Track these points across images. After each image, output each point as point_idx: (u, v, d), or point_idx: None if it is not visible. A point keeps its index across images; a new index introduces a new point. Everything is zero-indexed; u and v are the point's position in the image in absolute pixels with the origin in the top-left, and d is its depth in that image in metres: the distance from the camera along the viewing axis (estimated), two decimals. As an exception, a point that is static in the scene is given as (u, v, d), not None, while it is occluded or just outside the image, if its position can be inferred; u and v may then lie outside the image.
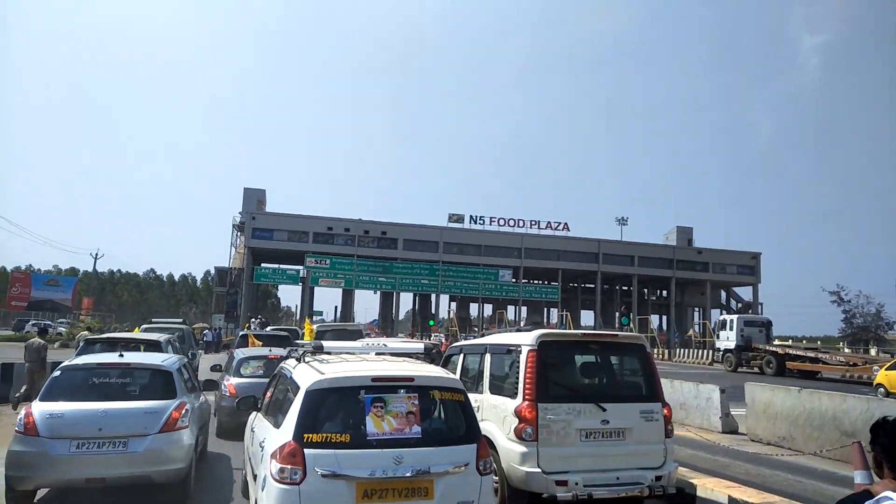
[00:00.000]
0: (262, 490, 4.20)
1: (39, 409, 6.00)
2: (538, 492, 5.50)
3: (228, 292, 56.04)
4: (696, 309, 70.30)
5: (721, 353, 32.29)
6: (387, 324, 62.79)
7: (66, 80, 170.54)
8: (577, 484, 5.48)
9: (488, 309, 68.00)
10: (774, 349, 29.05)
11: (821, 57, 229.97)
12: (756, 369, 29.13)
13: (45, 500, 6.35)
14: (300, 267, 56.37)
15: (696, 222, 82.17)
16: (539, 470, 5.54)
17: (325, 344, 5.37)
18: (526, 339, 6.11)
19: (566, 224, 62.45)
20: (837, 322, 56.40)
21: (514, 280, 61.29)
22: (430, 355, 5.66)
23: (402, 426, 4.20)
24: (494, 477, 5.05)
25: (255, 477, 4.80)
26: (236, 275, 57.25)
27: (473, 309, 69.04)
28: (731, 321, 32.00)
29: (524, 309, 66.18)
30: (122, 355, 7.09)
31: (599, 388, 6.35)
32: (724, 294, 71.05)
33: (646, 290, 71.38)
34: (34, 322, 47.40)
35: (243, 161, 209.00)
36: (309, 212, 58.65)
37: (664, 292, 72.97)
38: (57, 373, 6.58)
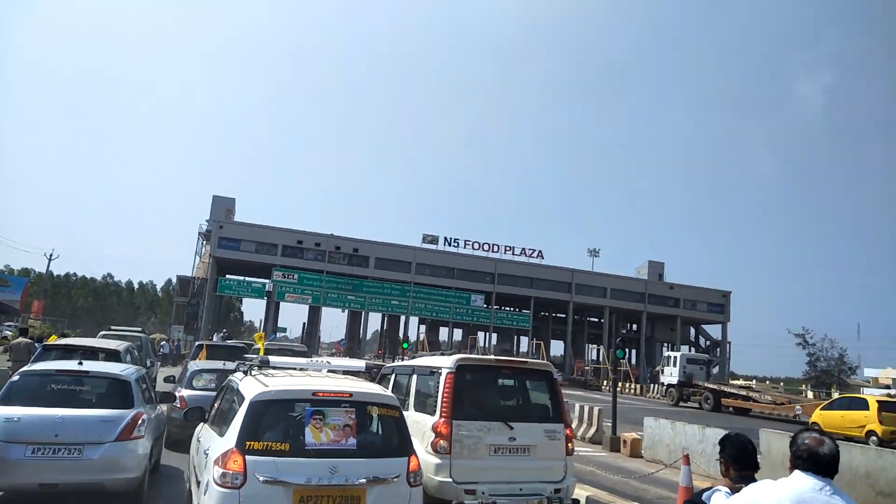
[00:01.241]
0: (205, 495, 4.49)
1: (-4, 412, 6.20)
2: (449, 499, 6.20)
3: (190, 303, 55.38)
4: (665, 344, 71.64)
5: (665, 387, 34.85)
6: (354, 344, 62.59)
7: (33, 74, 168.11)
8: (483, 493, 6.29)
9: (458, 333, 68.12)
10: (712, 386, 31.72)
11: (809, 98, 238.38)
12: (696, 404, 31.63)
13: (-7, 505, 6.52)
14: (266, 280, 55.97)
15: (667, 258, 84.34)
16: (451, 480, 6.30)
17: (272, 359, 5.83)
18: (446, 363, 6.90)
19: (540, 252, 63.34)
20: (803, 364, 58.03)
21: (486, 305, 61.76)
22: (370, 374, 6.21)
23: (339, 438, 4.56)
24: None
25: (198, 483, 5.10)
26: (199, 285, 56.56)
27: (443, 333, 69.25)
28: (675, 358, 34.69)
29: (494, 336, 66.59)
30: (81, 363, 7.32)
31: (509, 409, 7.12)
32: (692, 331, 72.51)
33: (616, 323, 72.41)
34: (8, 324, 45.90)
35: (214, 168, 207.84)
36: (279, 224, 58.40)
37: (634, 326, 74.14)
38: (15, 377, 6.82)
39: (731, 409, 29.89)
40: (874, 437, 18.13)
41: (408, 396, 7.32)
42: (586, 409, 16.43)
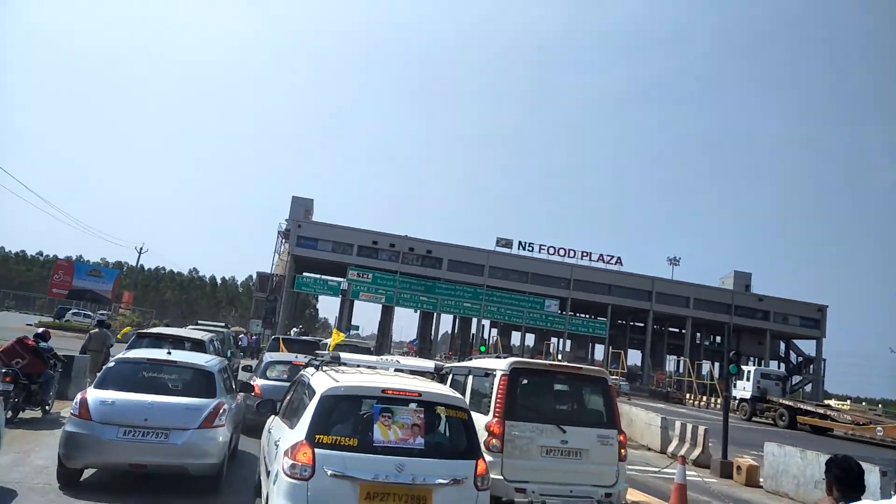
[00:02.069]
0: (274, 484, 4.64)
1: (93, 395, 6.81)
2: (499, 496, 6.31)
3: (268, 298, 57.66)
4: (752, 359, 68.50)
5: (737, 401, 33.97)
6: (425, 344, 63.32)
7: (127, 76, 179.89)
8: (533, 492, 6.50)
9: (531, 338, 67.68)
10: (787, 403, 31.05)
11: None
12: (770, 420, 31.38)
13: (89, 483, 7.11)
14: (342, 279, 57.60)
15: (754, 268, 79.88)
16: (502, 478, 6.43)
17: (342, 356, 5.97)
18: (500, 365, 7.13)
19: (619, 258, 62.10)
20: (902, 385, 54.24)
21: (560, 311, 61.09)
22: (439, 374, 6.34)
23: (407, 437, 4.63)
24: None
25: (268, 473, 5.27)
26: (277, 282, 58.89)
27: (516, 337, 68.89)
28: (749, 372, 34.15)
29: (569, 342, 65.67)
30: (170, 353, 7.90)
31: (563, 413, 7.29)
32: (783, 345, 68.96)
33: (699, 334, 69.88)
34: (75, 311, 49.55)
35: (294, 170, 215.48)
36: (355, 225, 59.98)
37: (717, 338, 71.23)
38: (111, 364, 7.43)
39: (807, 427, 29.07)
40: None
41: (463, 396, 7.52)
42: (689, 427, 14.99)
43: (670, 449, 14.93)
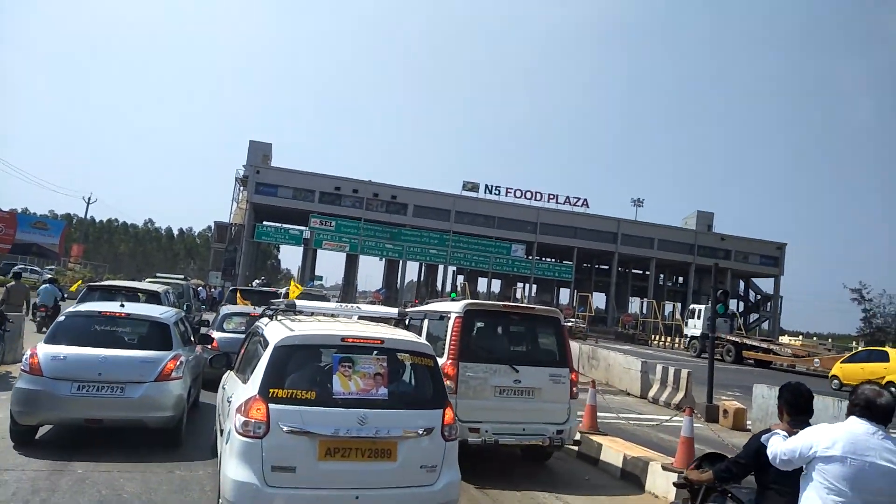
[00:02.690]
0: (227, 443, 4.39)
1: (44, 350, 6.68)
2: None
3: (227, 249, 56.79)
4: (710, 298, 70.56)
5: (688, 339, 36.78)
6: (391, 293, 63.59)
7: (72, 18, 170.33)
8: (486, 431, 6.72)
9: (497, 284, 68.50)
10: (733, 339, 33.10)
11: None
12: (718, 356, 33.18)
13: (45, 440, 7.05)
14: (304, 227, 56.93)
15: (716, 208, 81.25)
16: (456, 418, 6.46)
17: (299, 303, 5.67)
18: (455, 307, 7.30)
19: (586, 200, 62.53)
20: (857, 321, 56.77)
21: (526, 256, 61.73)
22: (404, 322, 6.18)
23: (369, 387, 4.39)
24: None
25: (221, 432, 5.09)
26: (236, 231, 57.92)
27: (482, 283, 69.63)
28: (699, 310, 36.39)
29: (535, 287, 66.69)
30: (123, 305, 7.76)
31: (516, 353, 7.51)
32: (742, 284, 71.21)
33: (662, 276, 71.59)
34: (21, 266, 48.01)
35: (251, 113, 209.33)
36: (316, 170, 58.88)
37: (680, 279, 73.14)
38: (61, 318, 7.29)
39: (752, 361, 31.16)
40: (893, 388, 18.08)
41: None
42: (671, 371, 14.56)
43: (651, 394, 14.82)
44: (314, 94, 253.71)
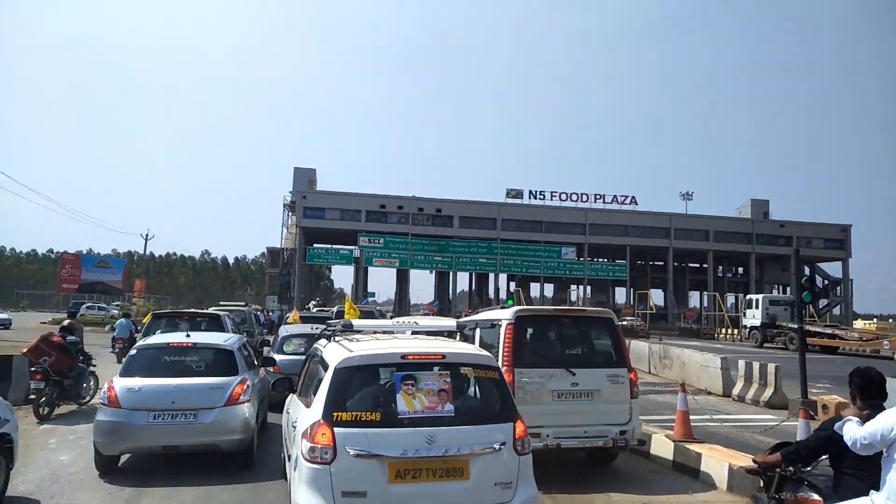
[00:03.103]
0: (295, 470, 4.37)
1: (120, 383, 7.10)
2: None
3: (281, 273, 58.16)
4: (775, 286, 68.30)
5: (748, 329, 36.04)
6: (444, 304, 63.85)
7: (118, 66, 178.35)
8: (548, 436, 6.66)
9: (550, 289, 67.91)
10: (797, 326, 31.33)
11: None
12: (781, 345, 32.60)
13: (127, 467, 7.45)
14: (353, 247, 57.87)
15: (770, 195, 77.99)
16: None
17: (356, 322, 5.65)
18: (505, 315, 7.31)
19: (633, 198, 61.46)
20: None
21: (577, 258, 61.08)
22: (462, 333, 6.06)
23: (434, 404, 4.29)
24: None
25: (289, 457, 5.08)
26: (288, 255, 59.33)
27: (534, 289, 69.15)
28: (757, 300, 35.76)
29: (589, 288, 65.82)
30: (188, 335, 8.15)
31: (571, 356, 7.49)
32: (807, 270, 68.67)
33: (720, 267, 69.73)
34: (88, 305, 50.06)
35: (293, 141, 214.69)
36: (361, 190, 59.87)
37: (740, 269, 71.07)
38: (133, 351, 7.73)
39: (817, 348, 30.03)
40: None
41: None
42: (756, 366, 13.84)
43: (735, 391, 14.09)
44: (353, 116, 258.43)
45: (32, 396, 10.33)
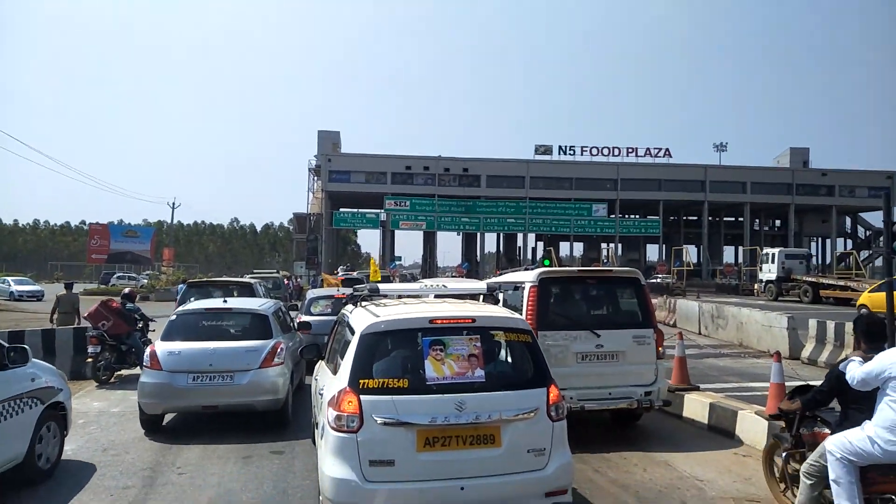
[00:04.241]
0: (322, 439, 4.39)
1: (161, 347, 7.58)
2: None
3: (308, 239, 58.80)
4: (814, 239, 66.96)
5: (763, 283, 36.79)
6: (473, 266, 64.21)
7: (148, 37, 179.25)
8: (571, 398, 6.61)
9: (579, 248, 67.76)
10: (810, 279, 33.31)
11: None
12: (795, 298, 33.32)
13: (170, 426, 7.98)
14: (379, 210, 58.27)
15: (809, 144, 75.53)
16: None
17: (382, 287, 5.59)
18: (529, 277, 7.39)
19: (667, 150, 60.41)
20: None
21: (609, 215, 60.65)
22: (493, 296, 5.85)
23: (464, 370, 4.22)
24: None
25: (317, 425, 5.14)
26: (315, 220, 59.95)
27: (564, 248, 68.98)
28: (773, 254, 36.57)
29: (620, 246, 65.42)
30: (225, 301, 8.62)
31: (597, 317, 7.51)
32: (849, 221, 67.26)
33: (757, 220, 68.47)
34: (119, 275, 51.25)
35: (316, 104, 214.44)
36: (386, 152, 59.98)
37: (777, 222, 69.78)
38: (173, 317, 8.22)
39: (831, 300, 30.91)
40: None
41: None
42: (831, 326, 12.72)
43: (805, 354, 13.08)
44: (376, 76, 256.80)
45: (89, 360, 10.82)
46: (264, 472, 6.16)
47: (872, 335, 4.22)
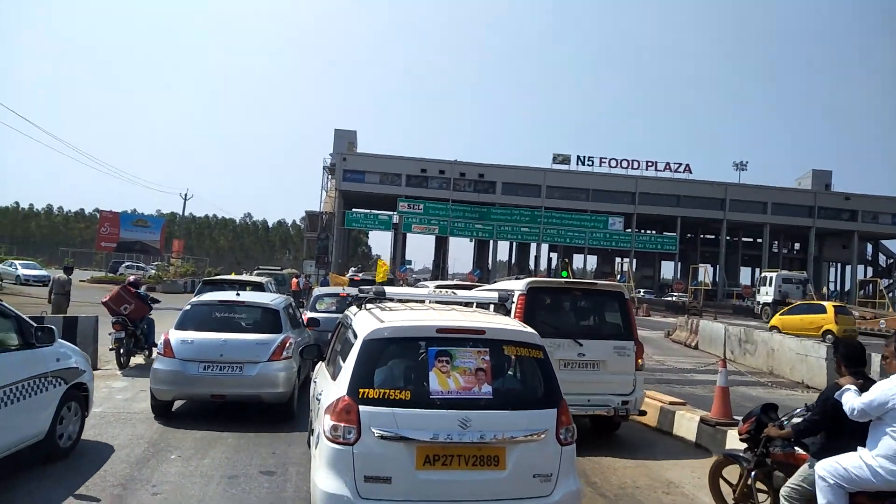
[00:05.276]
0: (316, 447, 4.18)
1: (175, 336, 7.99)
2: None
3: (319, 237, 59.27)
4: (833, 264, 66.47)
5: (760, 306, 38.24)
6: (484, 274, 64.40)
7: (164, 30, 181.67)
8: None
9: (593, 260, 67.75)
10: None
11: None
12: None
13: (179, 412, 8.36)
14: (392, 212, 58.60)
15: (833, 167, 74.44)
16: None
17: (389, 290, 5.36)
18: (518, 286, 7.87)
19: (688, 166, 60.45)
20: None
21: (625, 229, 60.66)
22: (505, 306, 5.63)
23: (471, 385, 4.01)
24: None
25: (312, 432, 4.93)
26: (327, 219, 60.46)
27: (578, 260, 68.95)
28: (772, 277, 37.97)
29: (634, 261, 65.35)
30: (238, 294, 9.02)
31: (580, 327, 7.96)
32: (870, 247, 66.77)
33: (776, 242, 68.21)
34: (128, 264, 51.64)
35: (336, 105, 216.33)
36: (402, 153, 60.35)
37: (797, 245, 69.41)
38: (187, 307, 8.62)
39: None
40: (830, 335, 21.78)
41: None
42: (873, 357, 11.19)
43: None
44: (396, 78, 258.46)
45: (112, 347, 11.08)
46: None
47: (853, 358, 4.38)
